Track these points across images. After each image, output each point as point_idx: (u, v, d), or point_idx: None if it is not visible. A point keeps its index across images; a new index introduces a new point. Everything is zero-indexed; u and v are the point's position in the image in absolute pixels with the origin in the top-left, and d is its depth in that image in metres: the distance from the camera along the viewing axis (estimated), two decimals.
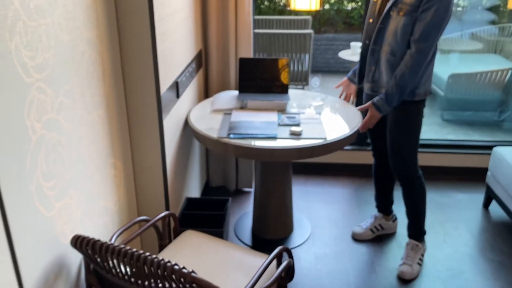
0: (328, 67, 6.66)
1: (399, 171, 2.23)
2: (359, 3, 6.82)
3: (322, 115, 2.32)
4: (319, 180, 3.24)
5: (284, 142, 2.00)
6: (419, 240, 2.33)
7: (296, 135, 2.07)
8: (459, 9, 5.79)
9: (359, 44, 4.90)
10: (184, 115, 2.34)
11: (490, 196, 2.78)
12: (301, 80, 4.71)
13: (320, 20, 6.93)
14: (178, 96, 2.16)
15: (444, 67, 4.69)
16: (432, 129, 4.26)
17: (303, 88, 4.72)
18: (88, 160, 1.49)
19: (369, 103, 2.09)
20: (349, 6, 6.95)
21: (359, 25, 6.93)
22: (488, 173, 2.76)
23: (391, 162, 2.23)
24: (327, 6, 6.77)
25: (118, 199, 1.78)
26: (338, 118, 2.28)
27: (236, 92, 2.59)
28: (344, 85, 2.48)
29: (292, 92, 2.67)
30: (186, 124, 2.39)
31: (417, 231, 2.33)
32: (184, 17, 2.25)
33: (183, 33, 2.24)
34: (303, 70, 4.63)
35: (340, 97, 2.52)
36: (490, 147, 3.20)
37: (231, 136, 2.05)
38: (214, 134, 2.08)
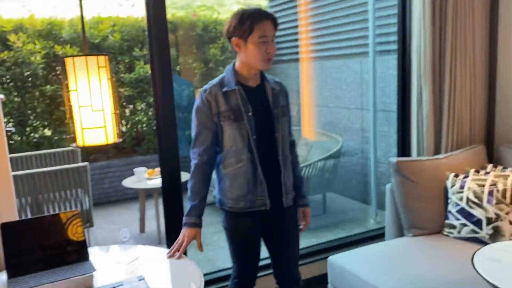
0: (108, 197, 5.90)
1: (298, 277, 2.15)
2: (128, 126, 6.48)
3: (147, 277, 1.66)
4: None
5: None
6: None
7: None
8: None
9: (144, 169, 4.46)
10: None
11: None
12: (84, 222, 3.85)
13: (87, 147, 6.22)
14: None
15: None
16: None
17: (86, 231, 3.85)
18: None
19: (307, 208, 2.13)
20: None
21: (132, 148, 6.53)
22: (329, 286, 2.52)
23: (293, 270, 2.12)
24: None
25: None
26: (173, 276, 1.67)
27: (3, 277, 1.69)
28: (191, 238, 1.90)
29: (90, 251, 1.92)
30: None
31: None
32: None
33: None
34: (84, 209, 3.81)
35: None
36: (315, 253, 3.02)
37: None
38: None
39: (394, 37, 3.01)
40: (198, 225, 1.91)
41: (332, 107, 5.18)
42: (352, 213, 4.71)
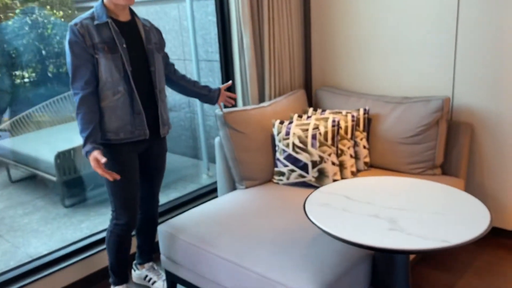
0: None
1: (157, 200, 2.37)
2: None
3: None
4: None
5: None
6: None
7: None
8: None
9: None
10: None
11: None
12: None
13: None
14: None
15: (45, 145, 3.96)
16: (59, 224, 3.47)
17: None
18: None
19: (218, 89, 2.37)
20: None
21: None
22: (162, 256, 2.29)
23: (157, 195, 2.34)
24: None
25: None
26: None
27: None
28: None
29: None
30: None
31: None
32: None
33: None
34: None
35: None
36: None
37: None
38: None
39: None
40: (98, 147, 1.89)
41: None
42: (184, 170, 4.54)
